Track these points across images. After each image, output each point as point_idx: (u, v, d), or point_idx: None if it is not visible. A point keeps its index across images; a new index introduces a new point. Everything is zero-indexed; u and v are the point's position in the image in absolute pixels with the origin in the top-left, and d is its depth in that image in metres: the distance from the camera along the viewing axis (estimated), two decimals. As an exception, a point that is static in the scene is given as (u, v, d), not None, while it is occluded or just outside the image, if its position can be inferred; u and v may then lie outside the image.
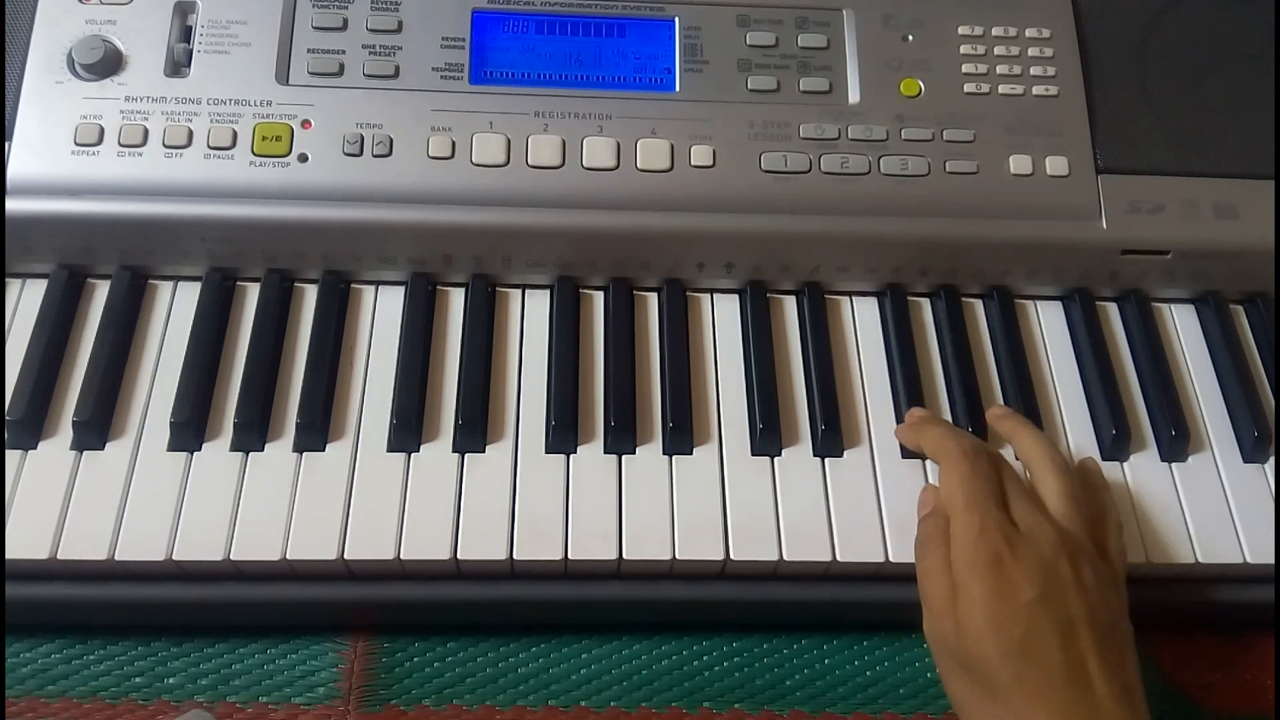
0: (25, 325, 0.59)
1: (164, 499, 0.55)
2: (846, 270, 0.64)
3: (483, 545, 0.54)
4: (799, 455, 0.59)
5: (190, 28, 0.62)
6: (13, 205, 0.58)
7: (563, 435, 0.58)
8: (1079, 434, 0.61)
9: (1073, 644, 0.47)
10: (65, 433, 0.57)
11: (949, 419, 0.61)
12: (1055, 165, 0.63)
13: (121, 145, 0.59)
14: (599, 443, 0.58)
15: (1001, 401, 0.62)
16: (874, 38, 0.65)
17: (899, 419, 0.61)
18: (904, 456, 0.60)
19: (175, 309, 0.62)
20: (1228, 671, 0.60)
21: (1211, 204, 0.64)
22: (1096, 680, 0.46)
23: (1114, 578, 0.51)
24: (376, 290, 0.63)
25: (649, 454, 0.58)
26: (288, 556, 0.53)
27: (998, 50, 0.65)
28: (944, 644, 0.50)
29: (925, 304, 0.66)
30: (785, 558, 0.55)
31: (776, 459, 0.59)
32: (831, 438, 0.59)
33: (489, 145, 0.61)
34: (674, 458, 0.58)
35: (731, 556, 0.55)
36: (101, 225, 0.59)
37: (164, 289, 0.62)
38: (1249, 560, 0.57)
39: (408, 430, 0.57)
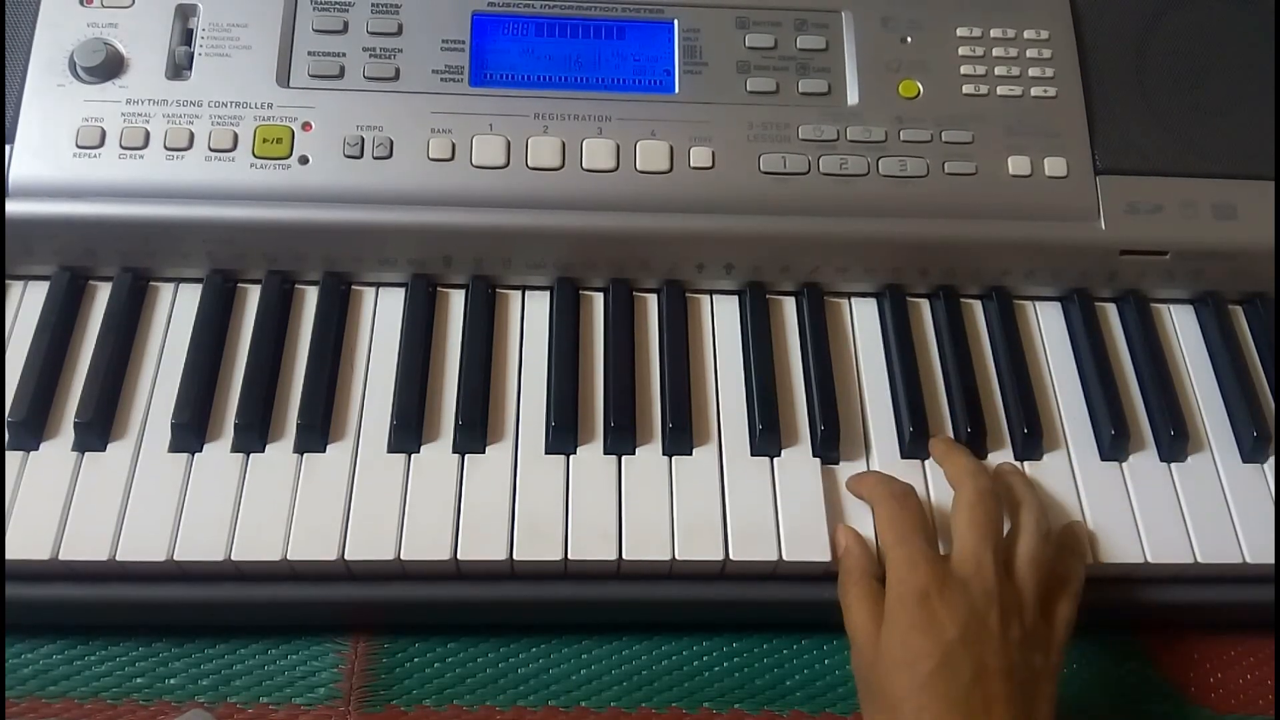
0: (27, 327, 0.59)
1: (165, 500, 0.55)
2: (846, 271, 0.64)
3: (483, 546, 0.55)
4: (798, 456, 0.59)
5: (191, 30, 0.62)
6: (14, 207, 0.59)
7: (563, 436, 0.58)
8: (1078, 434, 0.61)
9: (981, 690, 0.47)
10: (67, 434, 0.57)
11: (949, 419, 0.62)
12: (1054, 166, 0.63)
13: (123, 147, 0.60)
14: (599, 443, 0.58)
15: (1001, 403, 0.62)
16: (873, 39, 0.65)
17: (899, 420, 0.61)
18: (903, 456, 0.60)
19: (176, 311, 0.62)
20: (1228, 671, 0.60)
21: (1210, 204, 0.64)
22: None
23: (1047, 642, 0.51)
24: (377, 292, 0.63)
25: (649, 455, 0.58)
26: (288, 557, 0.54)
27: (996, 52, 0.65)
28: (861, 672, 0.51)
29: (924, 305, 0.66)
30: (785, 558, 0.55)
31: (776, 460, 0.59)
32: (830, 439, 0.59)
33: (489, 147, 0.61)
34: (674, 458, 0.58)
35: (731, 557, 0.55)
36: (103, 227, 0.60)
37: (165, 291, 0.63)
38: (1248, 560, 0.58)
39: (408, 431, 0.57)
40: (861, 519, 0.57)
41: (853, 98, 0.64)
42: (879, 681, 0.49)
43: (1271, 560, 0.58)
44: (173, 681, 0.56)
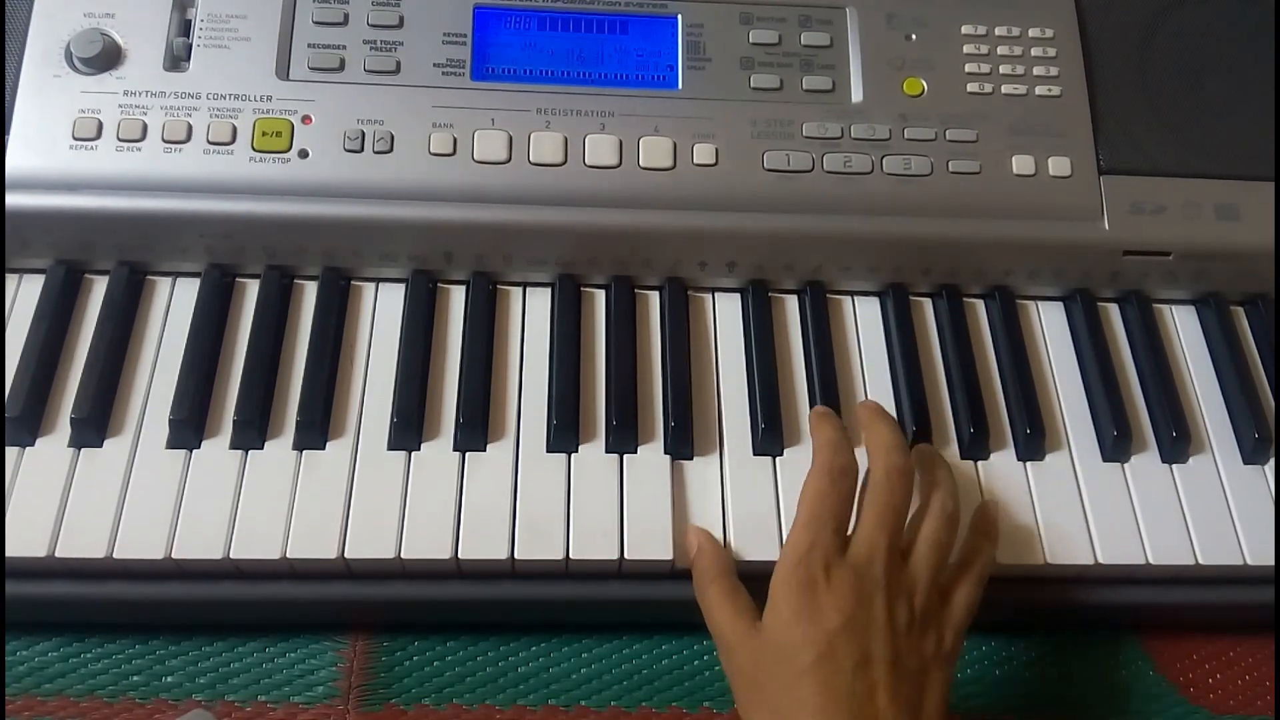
0: (23, 321, 0.59)
1: (163, 497, 0.54)
2: (848, 270, 0.64)
3: (483, 544, 0.54)
4: (801, 455, 0.59)
5: (190, 22, 0.62)
6: (10, 200, 0.58)
7: (564, 434, 0.58)
8: (1080, 435, 0.61)
9: (864, 677, 0.47)
10: (63, 430, 0.56)
11: (951, 418, 0.61)
12: (1058, 166, 0.63)
13: (120, 140, 0.59)
14: (600, 442, 0.58)
15: (1003, 402, 0.62)
16: (877, 37, 0.65)
17: (901, 419, 0.61)
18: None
19: (174, 305, 0.61)
20: (1227, 671, 0.60)
21: (1213, 205, 0.64)
22: (882, 714, 0.46)
23: (941, 625, 0.50)
24: (377, 287, 0.63)
25: (650, 453, 0.58)
26: (287, 555, 0.53)
27: (1001, 50, 0.65)
28: (737, 669, 0.50)
29: (927, 304, 0.66)
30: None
31: (778, 458, 0.59)
32: (833, 438, 0.59)
33: (490, 142, 0.61)
34: (675, 457, 0.58)
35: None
36: (100, 220, 0.59)
37: (163, 285, 0.62)
38: (1249, 562, 0.58)
39: (408, 429, 0.57)
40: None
41: (857, 95, 0.64)
42: (762, 672, 0.48)
43: (1272, 561, 0.58)
44: (170, 680, 0.56)
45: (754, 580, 0.57)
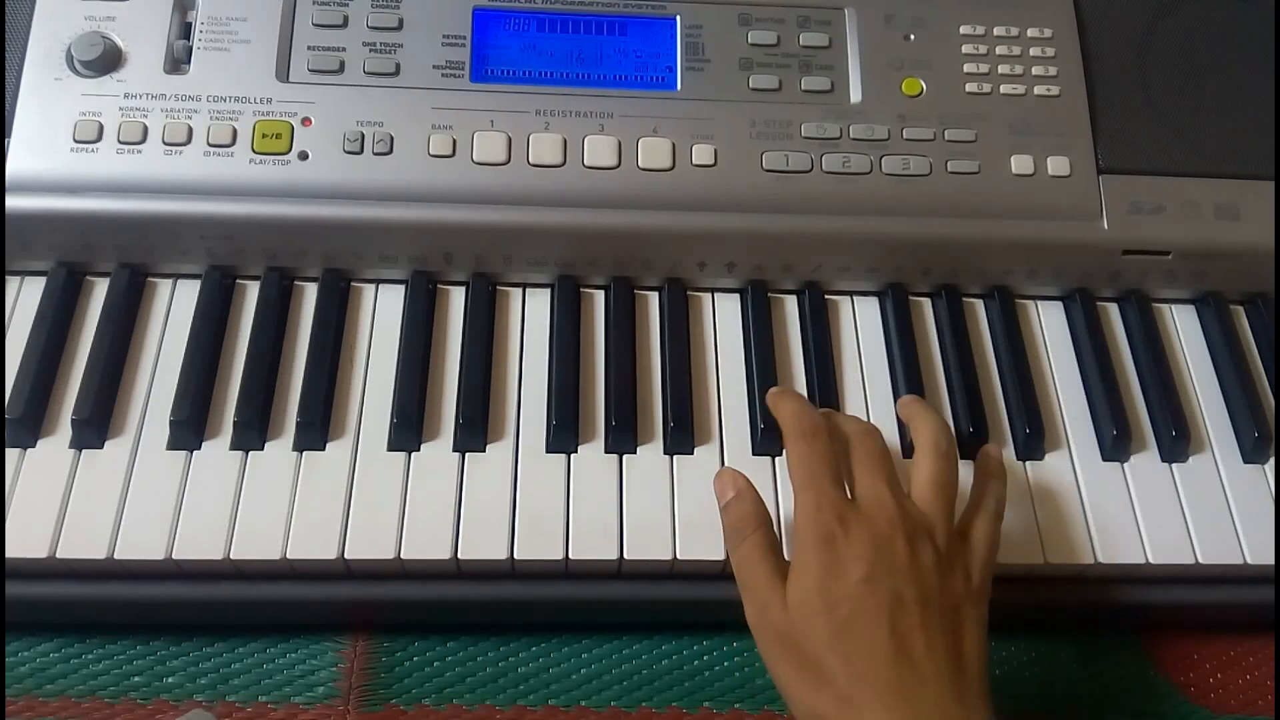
0: (24, 323, 0.59)
1: (163, 498, 0.55)
2: (848, 270, 0.64)
3: (483, 545, 0.54)
4: (800, 455, 0.59)
5: (190, 24, 0.62)
6: (11, 202, 0.58)
7: (563, 434, 0.58)
8: (1080, 434, 0.61)
9: (899, 622, 0.46)
10: (64, 431, 0.56)
11: (949, 418, 0.61)
12: (1057, 165, 0.63)
13: (121, 142, 0.59)
14: (600, 442, 0.58)
15: (1003, 402, 0.62)
16: (876, 37, 0.65)
17: (901, 419, 0.61)
18: (905, 456, 0.60)
19: (175, 307, 0.61)
20: (1228, 671, 0.60)
21: (1212, 204, 0.64)
22: (923, 657, 0.46)
23: (967, 563, 0.50)
24: (377, 289, 0.63)
25: (650, 453, 0.58)
26: (288, 555, 0.53)
27: (999, 50, 0.65)
28: (771, 629, 0.48)
29: (926, 304, 0.66)
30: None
31: (778, 458, 0.59)
32: (832, 438, 0.59)
33: (490, 143, 0.61)
34: (675, 457, 0.58)
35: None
36: (100, 223, 0.59)
37: (163, 287, 0.62)
38: (1249, 561, 0.58)
39: (408, 429, 0.57)
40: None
41: (855, 96, 0.64)
42: (797, 633, 0.47)
43: (1271, 561, 0.58)
44: (171, 680, 0.56)
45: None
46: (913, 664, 0.45)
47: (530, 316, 0.63)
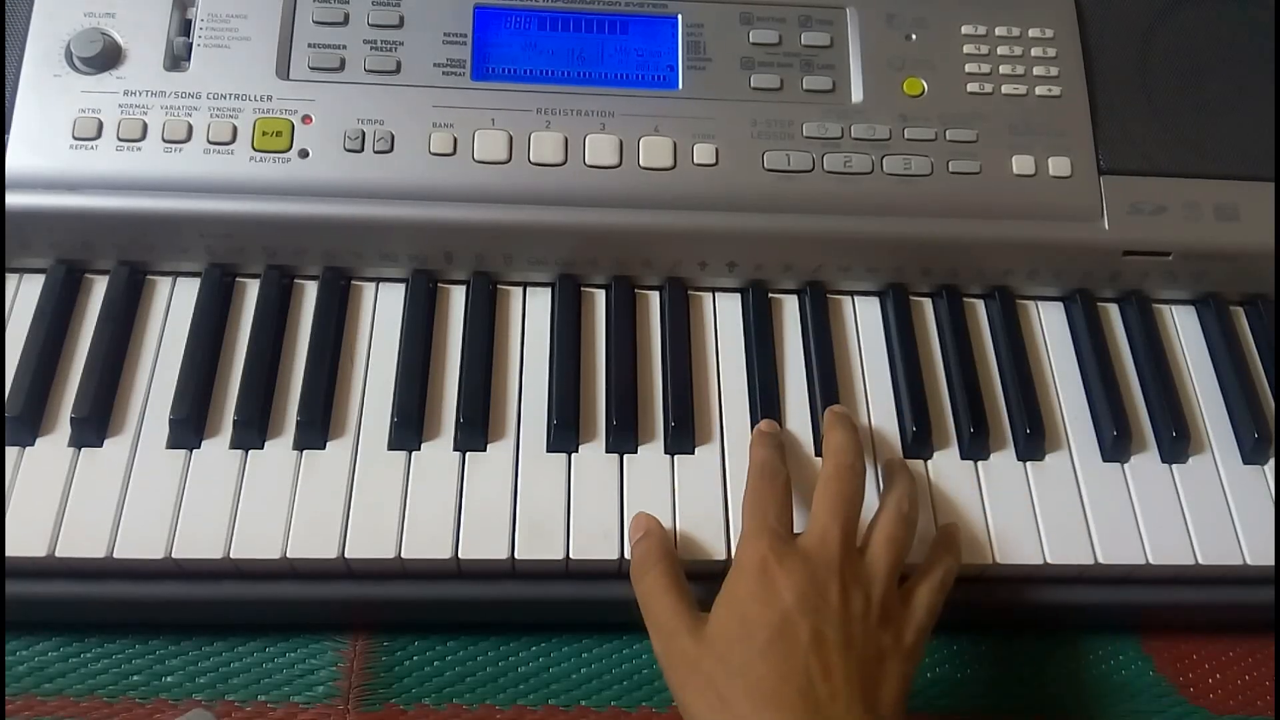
0: (23, 320, 0.59)
1: (163, 496, 0.54)
2: (848, 270, 0.64)
3: (484, 544, 0.54)
4: (801, 455, 0.59)
5: (190, 21, 0.62)
6: (10, 199, 0.58)
7: (564, 434, 0.58)
8: (1080, 435, 0.61)
9: (815, 659, 0.46)
10: (63, 429, 0.56)
11: (951, 418, 0.61)
12: (1058, 166, 0.63)
13: (120, 140, 0.59)
14: (600, 442, 0.58)
15: (1003, 402, 0.62)
16: (877, 37, 0.65)
17: (901, 418, 0.61)
18: (906, 456, 0.60)
19: (174, 305, 0.61)
20: (1227, 672, 0.60)
21: (1213, 205, 0.64)
22: (832, 697, 0.46)
23: (901, 622, 0.50)
24: (377, 287, 0.63)
25: (651, 453, 0.58)
26: (288, 555, 0.53)
27: (1001, 50, 0.65)
28: (678, 656, 0.49)
29: (927, 304, 0.66)
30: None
31: (778, 458, 0.59)
32: (833, 438, 0.59)
33: (491, 142, 0.61)
34: (676, 457, 0.58)
35: (733, 555, 0.55)
36: (100, 220, 0.59)
37: (163, 285, 0.62)
38: (1249, 562, 0.58)
39: (408, 428, 0.57)
40: (867, 515, 0.57)
41: (857, 95, 0.64)
42: (708, 662, 0.47)
43: (1271, 562, 0.58)
44: (170, 679, 0.56)
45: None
46: (818, 703, 0.46)
47: (531, 315, 0.63)
